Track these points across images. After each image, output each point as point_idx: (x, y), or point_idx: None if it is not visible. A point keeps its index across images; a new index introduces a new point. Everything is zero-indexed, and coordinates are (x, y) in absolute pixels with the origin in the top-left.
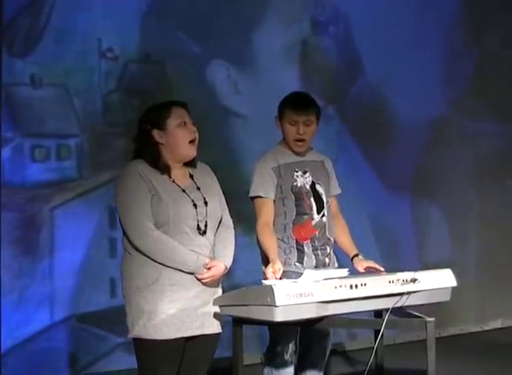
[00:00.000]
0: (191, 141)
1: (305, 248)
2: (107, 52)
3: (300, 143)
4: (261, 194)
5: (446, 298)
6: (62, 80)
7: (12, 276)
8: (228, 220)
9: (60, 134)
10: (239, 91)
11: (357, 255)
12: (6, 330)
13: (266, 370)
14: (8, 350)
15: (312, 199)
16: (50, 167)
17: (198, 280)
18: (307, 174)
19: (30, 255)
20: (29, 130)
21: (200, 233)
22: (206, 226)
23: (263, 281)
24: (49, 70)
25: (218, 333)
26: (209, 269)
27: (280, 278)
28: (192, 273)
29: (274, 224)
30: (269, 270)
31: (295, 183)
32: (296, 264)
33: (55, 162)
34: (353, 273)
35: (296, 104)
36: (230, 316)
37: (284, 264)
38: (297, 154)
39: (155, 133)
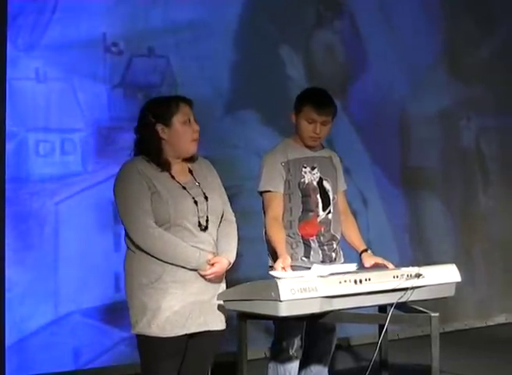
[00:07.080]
0: (193, 140)
1: (311, 243)
2: (112, 47)
3: (314, 139)
4: (271, 189)
5: (451, 293)
6: (67, 75)
7: (17, 271)
8: (230, 214)
9: (64, 129)
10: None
11: (365, 251)
12: (11, 324)
13: (271, 365)
14: (13, 344)
15: (318, 196)
16: (54, 162)
17: (202, 276)
18: (316, 170)
19: (34, 249)
20: (33, 125)
21: (201, 229)
22: (207, 221)
23: (271, 273)
24: (54, 64)
25: (222, 330)
26: (212, 265)
27: None
28: (195, 270)
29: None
30: (279, 265)
31: (302, 180)
32: (303, 259)
33: (59, 157)
34: (362, 268)
35: (318, 104)
36: (235, 310)
37: (291, 258)
38: (308, 148)
39: (159, 127)
